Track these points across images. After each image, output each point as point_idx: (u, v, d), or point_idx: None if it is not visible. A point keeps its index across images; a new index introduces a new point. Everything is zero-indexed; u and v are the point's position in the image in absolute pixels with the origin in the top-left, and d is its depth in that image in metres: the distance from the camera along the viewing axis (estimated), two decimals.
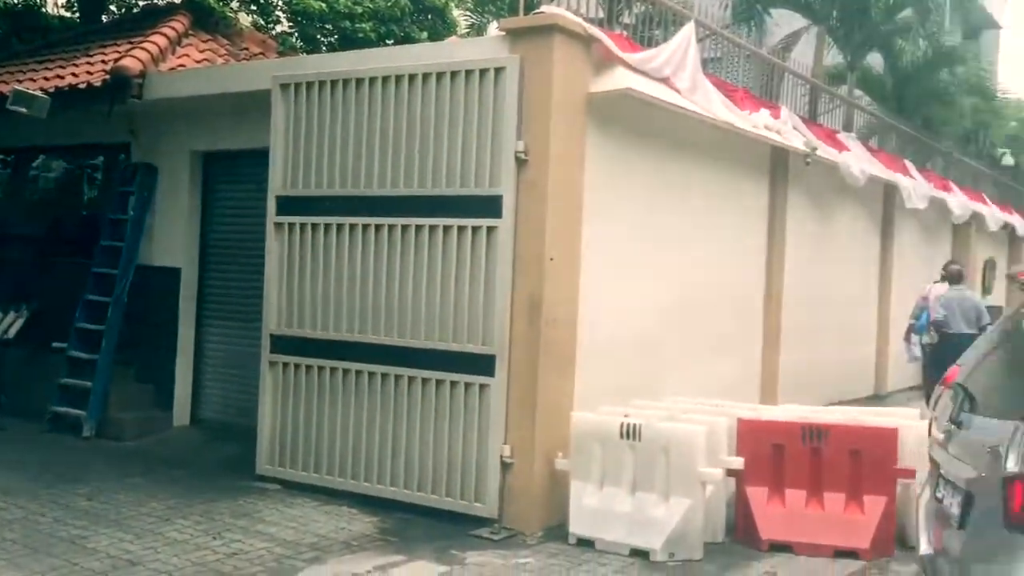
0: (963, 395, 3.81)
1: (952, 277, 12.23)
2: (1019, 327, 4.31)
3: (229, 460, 8.67)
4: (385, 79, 7.48)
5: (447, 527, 6.80)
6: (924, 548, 4.32)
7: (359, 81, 7.59)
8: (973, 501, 3.50)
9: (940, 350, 11.38)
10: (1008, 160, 20.28)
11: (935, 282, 12.85)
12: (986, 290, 19.27)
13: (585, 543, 6.51)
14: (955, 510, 3.69)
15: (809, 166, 10.84)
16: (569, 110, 7.11)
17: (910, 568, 6.34)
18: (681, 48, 8.18)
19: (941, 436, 3.91)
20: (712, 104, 8.61)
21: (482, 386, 6.96)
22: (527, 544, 6.55)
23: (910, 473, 6.75)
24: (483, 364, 6.95)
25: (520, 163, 6.90)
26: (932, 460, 4.21)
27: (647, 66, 7.75)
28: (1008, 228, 19.68)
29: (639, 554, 6.32)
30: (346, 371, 7.59)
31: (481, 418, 6.96)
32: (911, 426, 7.05)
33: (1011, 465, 3.12)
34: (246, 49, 12.09)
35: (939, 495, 3.97)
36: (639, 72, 7.64)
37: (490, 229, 6.98)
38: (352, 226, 7.61)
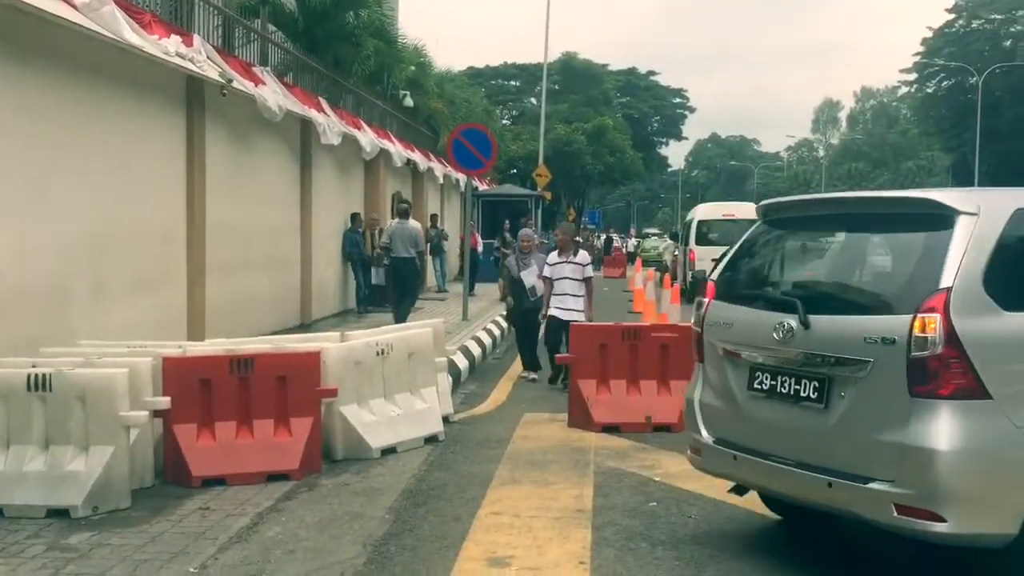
0: (799, 302, 4.57)
1: (400, 212, 14.79)
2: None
3: None
4: None
5: None
6: (705, 436, 5.13)
7: None
8: (837, 383, 4.37)
9: (389, 269, 14.49)
10: (409, 102, 22.27)
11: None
12: None
13: None
14: (811, 394, 4.50)
15: (226, 98, 10.71)
16: None
17: (337, 479, 6.76)
18: None
19: (776, 336, 4.63)
20: (118, 25, 7.99)
21: None
22: None
23: (332, 392, 7.17)
24: None
25: None
26: (734, 356, 5.00)
27: None
28: (411, 164, 21.71)
29: (58, 513, 5.80)
30: None
31: None
32: (332, 348, 7.45)
33: (915, 349, 4.04)
34: None
35: (762, 385, 4.78)
36: None
37: None
38: None
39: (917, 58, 74.60)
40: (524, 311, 11.05)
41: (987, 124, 57.01)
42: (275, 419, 6.93)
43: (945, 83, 74.52)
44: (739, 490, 5.29)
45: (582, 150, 54.16)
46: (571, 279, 10.19)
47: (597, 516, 5.77)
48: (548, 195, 40.87)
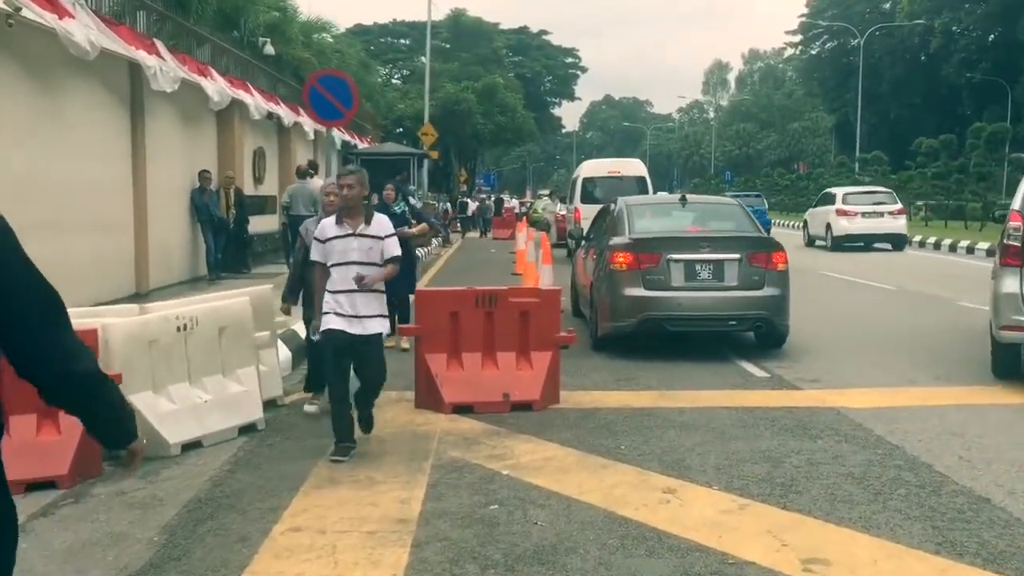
0: None
1: (299, 172, 15.89)
2: None
3: None
4: None
5: None
6: None
7: None
8: None
9: (291, 228, 14.45)
10: (269, 49, 20.48)
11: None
12: (258, 179, 19.54)
13: None
14: None
15: (14, 30, 9.09)
16: None
17: (115, 487, 5.51)
18: None
19: None
20: None
21: None
22: None
23: (113, 379, 5.86)
24: None
25: None
26: None
27: None
28: (275, 118, 20.07)
29: None
30: None
31: None
32: (116, 325, 6.13)
33: None
34: None
35: None
36: None
37: None
38: None
39: (803, 19, 75.60)
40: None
41: (868, 85, 58.16)
42: (38, 414, 5.64)
43: (828, 45, 75.92)
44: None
45: (472, 109, 52.83)
46: (362, 264, 5.90)
47: (422, 528, 4.68)
48: (434, 154, 39.47)
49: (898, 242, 25.24)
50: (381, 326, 6.04)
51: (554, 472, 5.62)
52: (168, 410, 6.29)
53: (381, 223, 6.12)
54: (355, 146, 30.55)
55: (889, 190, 28.23)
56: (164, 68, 12.66)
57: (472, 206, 40.26)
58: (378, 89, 39.67)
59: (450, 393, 7.18)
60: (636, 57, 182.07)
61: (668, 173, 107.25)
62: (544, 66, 76.93)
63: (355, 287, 5.87)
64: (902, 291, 15.53)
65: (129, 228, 12.79)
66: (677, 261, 9.41)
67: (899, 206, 25.96)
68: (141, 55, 12.10)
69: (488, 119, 54.38)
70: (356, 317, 5.90)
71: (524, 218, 27.03)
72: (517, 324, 7.37)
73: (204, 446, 6.33)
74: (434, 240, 28.86)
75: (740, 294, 9.41)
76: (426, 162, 37.42)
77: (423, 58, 65.65)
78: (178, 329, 6.45)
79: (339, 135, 27.61)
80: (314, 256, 6.08)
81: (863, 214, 24.87)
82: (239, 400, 6.76)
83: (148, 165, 13.13)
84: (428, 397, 7.24)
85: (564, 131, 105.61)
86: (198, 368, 6.58)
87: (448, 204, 42.33)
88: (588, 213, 20.33)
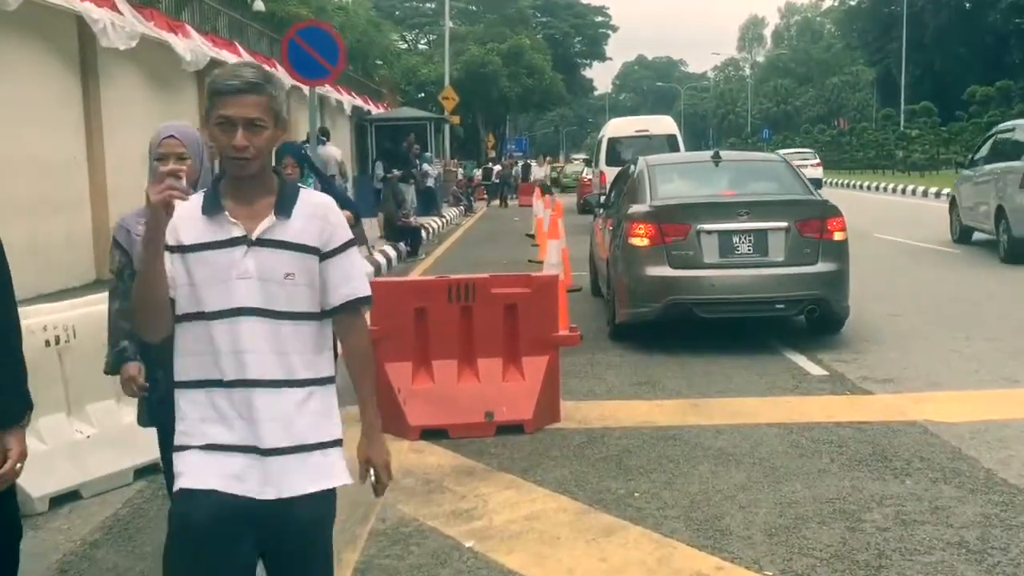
0: None
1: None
2: None
3: None
4: None
5: None
6: None
7: None
8: None
9: None
10: (259, 6, 18.84)
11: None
12: None
13: None
14: None
15: None
16: None
17: None
18: None
19: None
20: None
21: None
22: None
23: None
24: None
25: None
26: None
27: None
28: None
29: None
30: None
31: None
32: None
33: None
34: None
35: None
36: None
37: None
38: None
39: None
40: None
41: (910, 36, 55.34)
42: None
43: None
44: None
45: (498, 72, 50.98)
46: (272, 319, 2.19)
47: None
48: (455, 119, 37.68)
49: (817, 184, 41.09)
50: (322, 470, 2.27)
51: (538, 543, 4.01)
52: (35, 452, 4.74)
53: (318, 211, 2.32)
54: (368, 112, 28.99)
55: (811, 150, 41.73)
56: (118, 22, 11.07)
57: (495, 171, 38.40)
58: (393, 52, 37.89)
59: (416, 414, 5.58)
60: (669, 14, 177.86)
61: (704, 133, 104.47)
62: (573, 26, 74.78)
63: (266, 376, 2.20)
64: (968, 253, 13.67)
65: (85, 207, 11.30)
66: (709, 232, 7.71)
67: (817, 160, 37.52)
68: (86, 7, 10.51)
69: (515, 82, 52.57)
70: (261, 453, 2.20)
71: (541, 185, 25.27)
72: (502, 322, 5.73)
73: (84, 497, 4.81)
74: (454, 210, 27.25)
75: (788, 271, 7.70)
76: (449, 128, 35.74)
77: (449, 22, 63.84)
78: (47, 343, 4.88)
79: (349, 100, 26.08)
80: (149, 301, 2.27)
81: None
82: (136, 432, 5.19)
83: (106, 135, 11.59)
84: (388, 419, 5.59)
85: (596, 93, 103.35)
86: (79, 393, 5.03)
87: (476, 170, 40.72)
88: (614, 176, 18.68)
